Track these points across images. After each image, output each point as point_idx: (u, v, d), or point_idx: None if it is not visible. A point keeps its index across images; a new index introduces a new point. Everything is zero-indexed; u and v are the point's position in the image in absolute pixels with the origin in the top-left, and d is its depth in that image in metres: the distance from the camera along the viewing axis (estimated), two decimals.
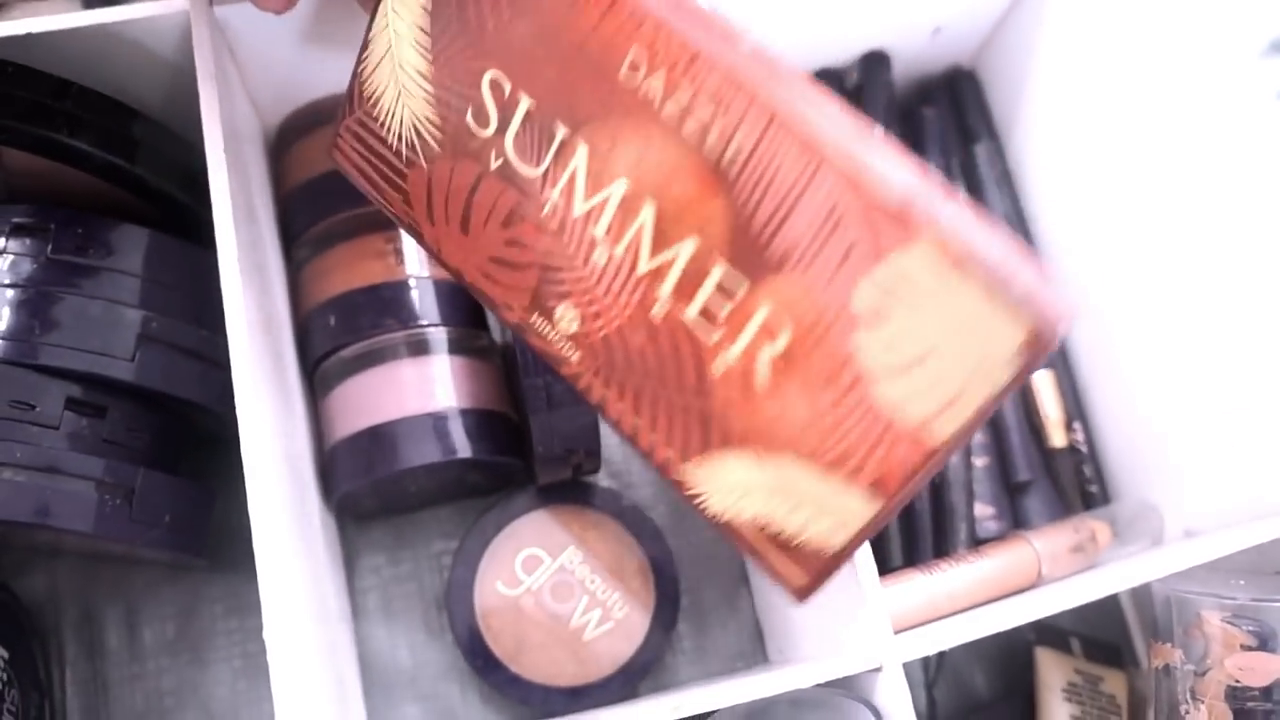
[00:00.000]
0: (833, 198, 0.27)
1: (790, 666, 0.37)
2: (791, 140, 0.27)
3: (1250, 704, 0.38)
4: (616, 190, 0.30)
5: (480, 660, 0.45)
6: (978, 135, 0.53)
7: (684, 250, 0.30)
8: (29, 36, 0.39)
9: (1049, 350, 0.25)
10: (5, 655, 0.42)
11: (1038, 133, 0.52)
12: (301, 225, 0.46)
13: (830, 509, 0.29)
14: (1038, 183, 0.52)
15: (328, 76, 0.45)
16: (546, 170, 0.31)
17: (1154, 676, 0.40)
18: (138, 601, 0.47)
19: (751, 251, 0.29)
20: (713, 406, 0.30)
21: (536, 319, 0.33)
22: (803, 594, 0.31)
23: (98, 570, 0.47)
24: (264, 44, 0.43)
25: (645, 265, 0.30)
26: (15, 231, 0.39)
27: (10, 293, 0.39)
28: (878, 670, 0.37)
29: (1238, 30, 0.43)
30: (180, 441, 0.43)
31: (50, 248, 0.39)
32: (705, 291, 0.30)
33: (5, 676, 0.42)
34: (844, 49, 0.52)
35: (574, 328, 0.32)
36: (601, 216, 0.31)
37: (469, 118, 0.32)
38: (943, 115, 0.53)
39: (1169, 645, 0.40)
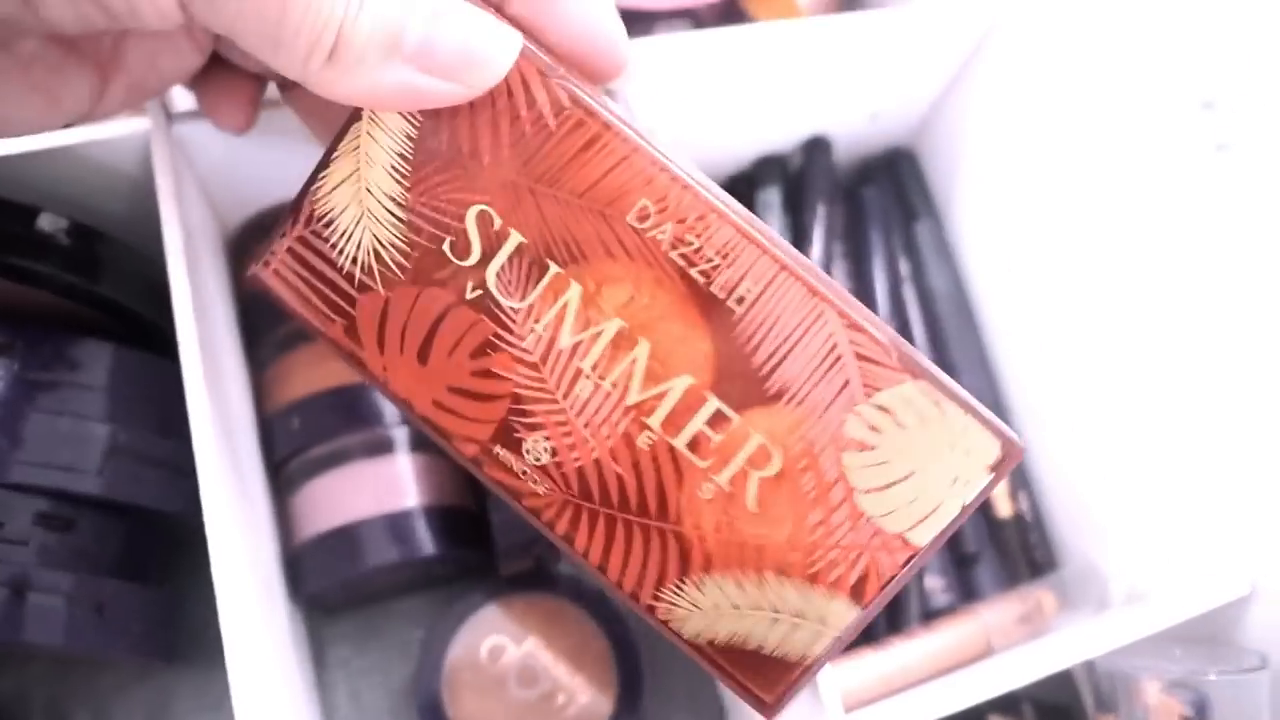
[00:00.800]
0: (833, 339, 0.30)
1: None
2: (798, 288, 0.30)
3: None
4: (610, 327, 0.32)
5: None
6: (918, 213, 0.55)
7: (677, 385, 0.31)
8: None
9: (1017, 462, 0.29)
10: None
11: (975, 208, 0.54)
12: (263, 327, 0.47)
13: (811, 618, 0.31)
14: (976, 257, 0.55)
15: (288, 179, 0.47)
16: (532, 304, 0.32)
17: None
18: (107, 701, 0.47)
19: (746, 387, 0.31)
20: (696, 532, 0.32)
21: (500, 450, 0.32)
22: (774, 706, 0.32)
23: (66, 672, 0.47)
24: (222, 153, 0.44)
25: (635, 397, 0.31)
26: None
27: None
28: None
29: (1167, 92, 0.45)
30: (147, 546, 0.44)
31: (18, 365, 0.40)
32: (696, 424, 0.31)
33: None
34: (786, 135, 0.54)
35: (544, 459, 0.32)
36: (590, 351, 0.32)
37: (445, 247, 0.32)
38: (884, 194, 0.55)
39: (1112, 717, 0.41)
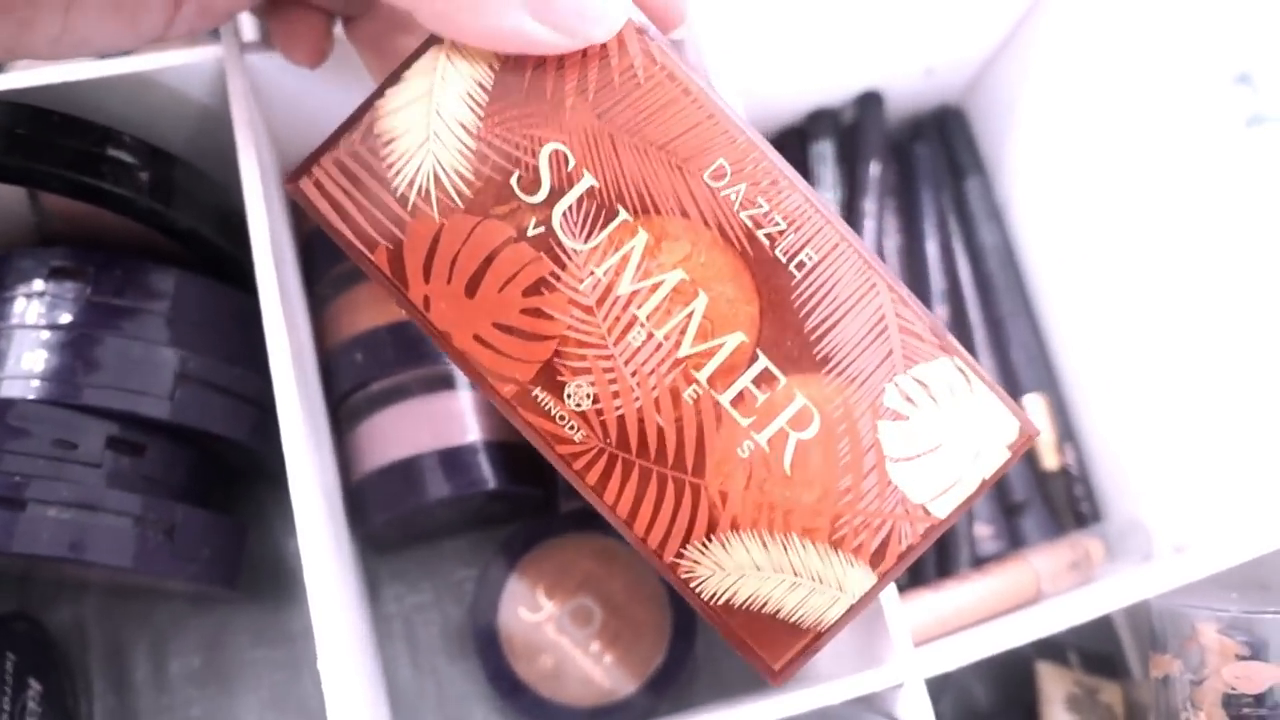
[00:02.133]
0: (881, 311, 0.31)
1: (812, 685, 0.39)
2: (856, 260, 0.31)
3: (1245, 710, 0.40)
4: (671, 278, 0.32)
5: (505, 684, 0.46)
6: (967, 171, 0.55)
7: (730, 342, 0.32)
8: (68, 85, 0.40)
9: (1030, 443, 0.31)
10: (40, 689, 0.43)
11: (1024, 167, 0.55)
12: (325, 263, 0.47)
13: (830, 582, 0.32)
14: (1025, 215, 0.55)
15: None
16: (596, 247, 0.32)
17: (1154, 686, 0.43)
18: (164, 634, 0.47)
19: (796, 350, 0.32)
20: (727, 490, 0.32)
21: (539, 393, 0.32)
22: (781, 674, 0.32)
23: (124, 603, 0.48)
24: (289, 87, 0.44)
25: (686, 350, 0.32)
26: (54, 274, 0.41)
27: (51, 334, 0.40)
28: (899, 686, 0.38)
29: (1208, 63, 0.45)
30: (211, 477, 0.44)
31: (90, 290, 0.40)
32: (743, 382, 0.32)
33: (40, 710, 0.43)
34: (840, 89, 0.54)
35: (585, 405, 0.32)
36: (649, 300, 0.32)
37: (513, 181, 0.32)
38: (933, 151, 0.56)
39: (1168, 656, 0.42)
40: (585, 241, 0.32)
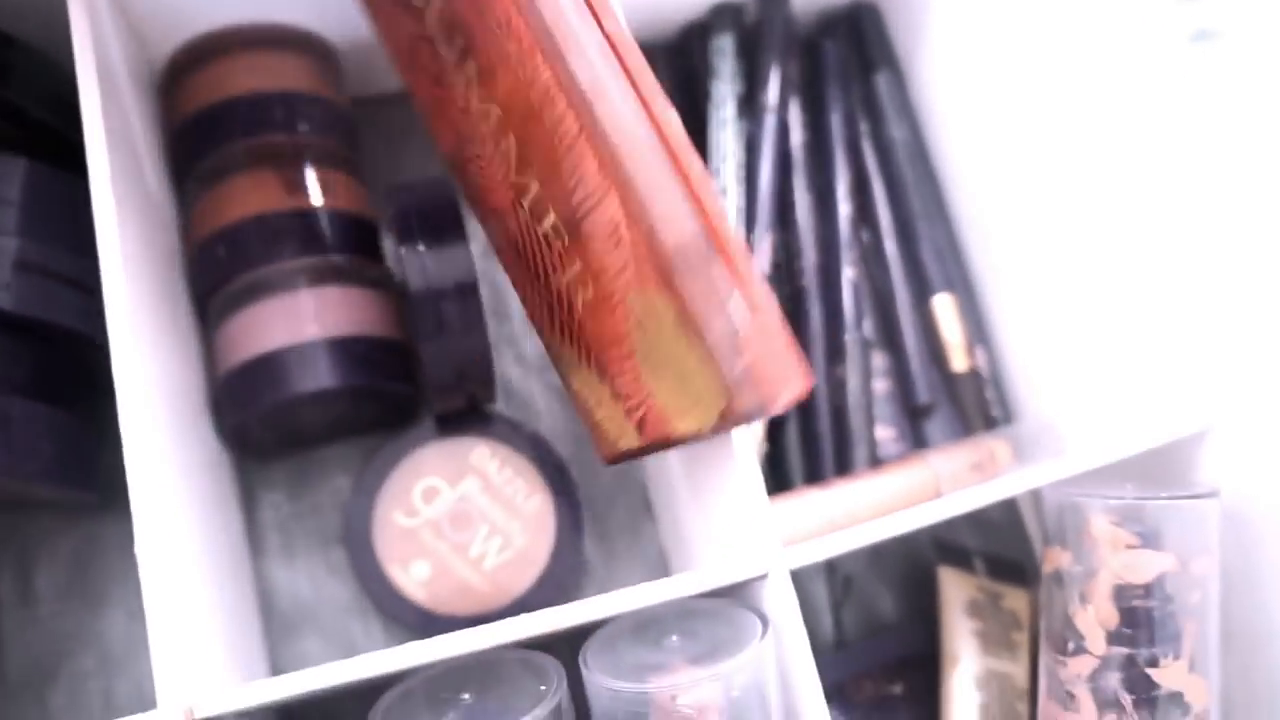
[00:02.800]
0: (615, 222, 0.30)
1: (679, 575, 0.37)
2: (591, 157, 0.30)
3: (1135, 602, 0.38)
4: (494, 110, 0.34)
5: (381, 592, 0.44)
6: (878, 65, 0.53)
7: (532, 186, 0.34)
8: None
9: (746, 422, 0.32)
10: None
11: (939, 64, 0.52)
12: (192, 158, 0.45)
13: (618, 422, 0.37)
14: (938, 113, 0.53)
15: (214, 10, 0.45)
16: (455, 64, 0.36)
17: (1045, 582, 0.41)
18: (30, 548, 0.46)
19: (570, 218, 0.32)
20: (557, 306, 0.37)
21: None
22: (607, 461, 0.41)
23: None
24: None
25: (512, 176, 0.34)
26: None
27: None
28: (764, 578, 0.37)
29: None
30: (63, 377, 0.42)
31: None
32: (544, 226, 0.34)
33: None
34: None
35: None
36: (484, 119, 0.35)
37: None
38: (843, 48, 0.54)
39: (1059, 549, 0.40)
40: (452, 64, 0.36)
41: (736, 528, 0.38)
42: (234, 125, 0.44)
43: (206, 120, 0.45)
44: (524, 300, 0.40)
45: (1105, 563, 0.39)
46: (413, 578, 0.45)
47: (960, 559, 0.48)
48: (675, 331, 0.29)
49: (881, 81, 0.53)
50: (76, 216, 0.41)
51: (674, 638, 0.36)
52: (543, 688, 0.34)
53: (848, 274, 0.49)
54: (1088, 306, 0.46)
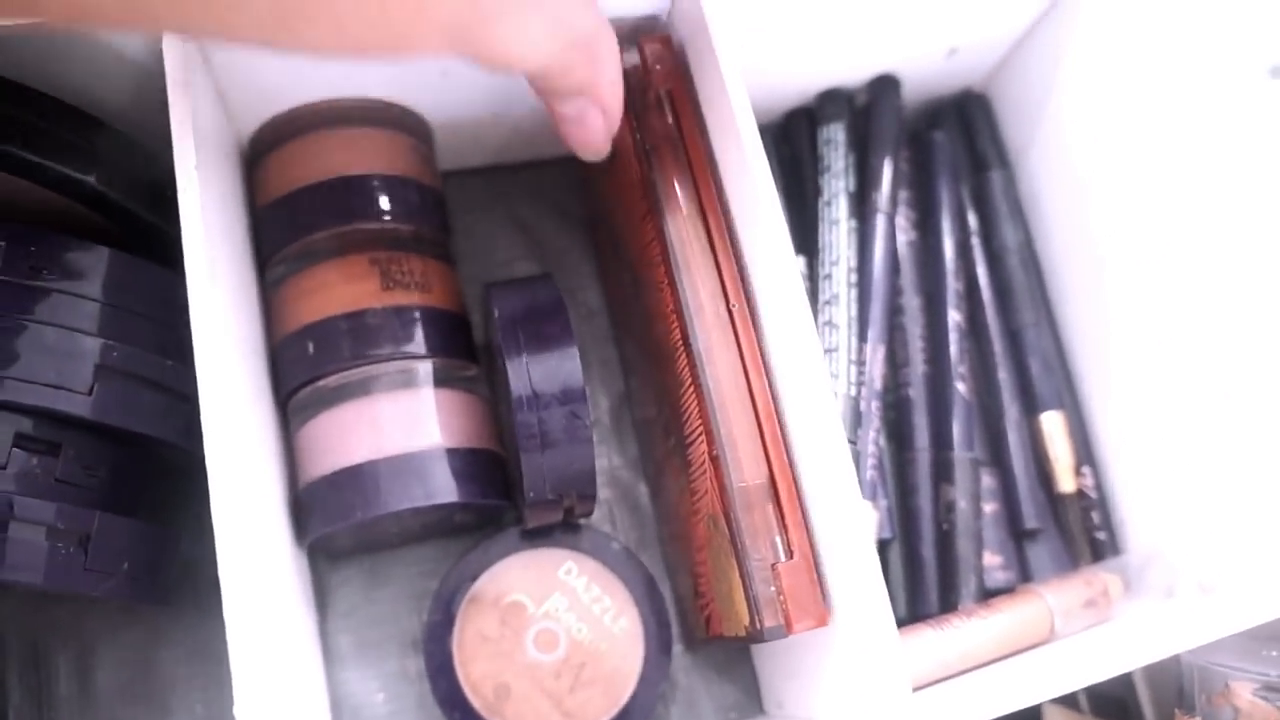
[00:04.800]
0: (704, 456, 0.37)
1: None
2: (695, 404, 0.37)
3: None
4: (650, 350, 0.43)
5: (458, 712, 0.42)
6: (989, 162, 0.51)
7: (665, 411, 0.42)
8: None
9: (767, 639, 0.35)
10: None
11: (1052, 161, 0.50)
12: (277, 242, 0.42)
13: (696, 615, 0.43)
14: (1050, 214, 0.50)
15: (306, 85, 0.42)
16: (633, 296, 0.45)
17: None
18: (91, 643, 0.43)
19: (681, 444, 0.40)
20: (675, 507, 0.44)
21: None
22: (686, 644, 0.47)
23: (47, 609, 0.43)
24: (240, 49, 0.40)
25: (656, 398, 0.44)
26: None
27: None
28: None
29: (1247, 51, 0.41)
30: (140, 478, 0.40)
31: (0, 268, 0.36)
32: (669, 442, 0.42)
33: None
34: (854, 68, 0.49)
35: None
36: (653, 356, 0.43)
37: None
38: (953, 141, 0.51)
39: (1194, 718, 0.38)
40: None
41: (860, 669, 0.35)
42: (325, 209, 0.42)
43: (295, 203, 0.42)
44: (654, 495, 0.48)
45: None
46: (496, 699, 0.42)
47: (1064, 695, 0.46)
48: (728, 552, 0.36)
49: (994, 181, 0.50)
50: (163, 313, 0.38)
51: None
52: None
53: (959, 389, 0.46)
54: (1203, 428, 0.44)
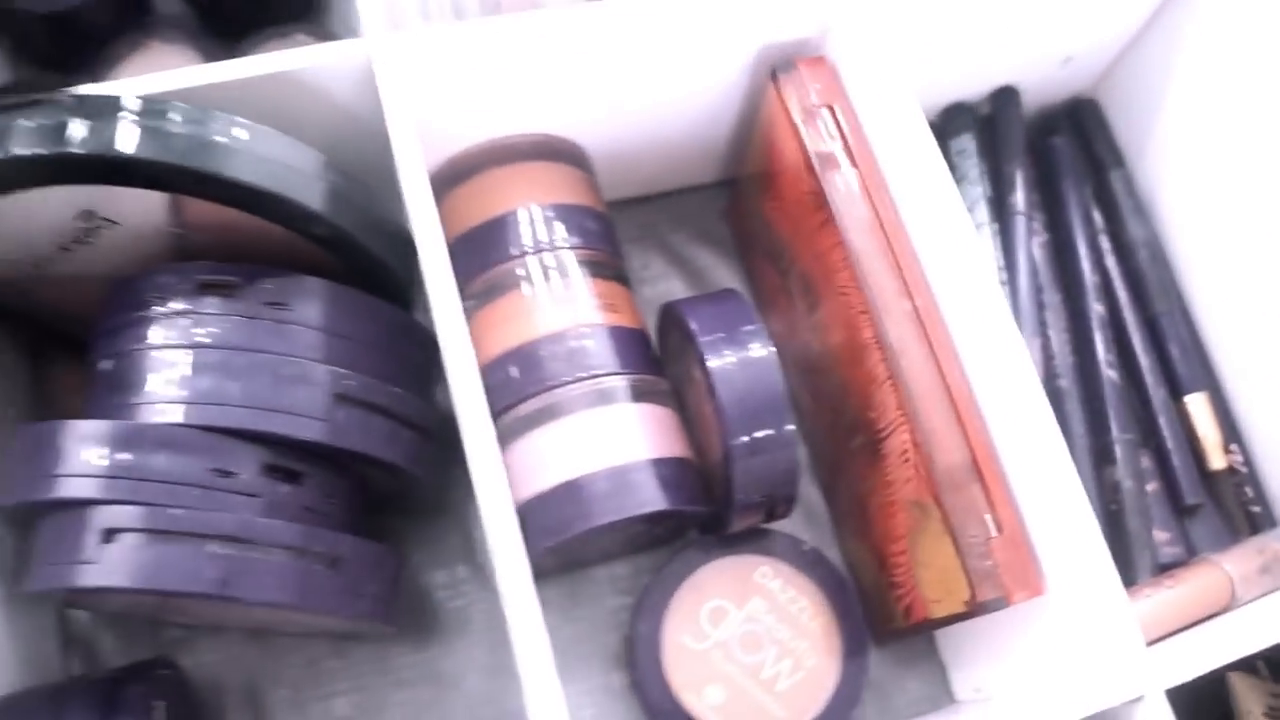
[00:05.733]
0: (904, 446, 0.40)
1: (1036, 701, 0.36)
2: (892, 397, 0.39)
3: None
4: (828, 353, 0.46)
5: (675, 718, 0.43)
6: (1109, 164, 0.53)
7: (847, 413, 0.44)
8: (211, 86, 0.37)
9: (988, 611, 0.37)
10: None
11: (1168, 158, 0.52)
12: (469, 273, 0.44)
13: (890, 608, 0.44)
14: (1172, 208, 0.53)
15: (482, 123, 0.44)
16: (805, 313, 0.48)
17: None
18: (304, 678, 0.44)
19: (872, 440, 0.42)
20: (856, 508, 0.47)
21: None
22: (876, 642, 0.47)
23: (260, 645, 0.44)
24: (426, 90, 0.41)
25: (833, 404, 0.47)
26: (201, 290, 0.37)
27: (199, 354, 0.37)
28: (1137, 700, 0.36)
29: None
30: (362, 507, 0.41)
31: (239, 305, 0.37)
32: (853, 444, 0.45)
33: None
34: (975, 81, 0.52)
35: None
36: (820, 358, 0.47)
37: None
38: (1071, 145, 0.54)
39: None
40: None
41: (1083, 638, 0.37)
42: (508, 242, 0.43)
43: (481, 236, 0.44)
44: (829, 498, 0.50)
45: None
46: (707, 703, 0.43)
47: (1244, 663, 0.47)
48: (940, 533, 0.38)
49: (1116, 180, 0.53)
50: (387, 342, 0.40)
51: None
52: None
53: (1109, 375, 0.48)
54: None
